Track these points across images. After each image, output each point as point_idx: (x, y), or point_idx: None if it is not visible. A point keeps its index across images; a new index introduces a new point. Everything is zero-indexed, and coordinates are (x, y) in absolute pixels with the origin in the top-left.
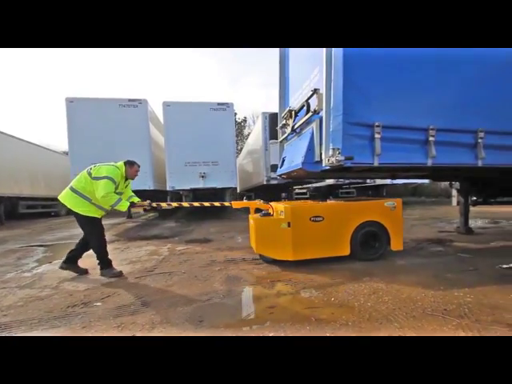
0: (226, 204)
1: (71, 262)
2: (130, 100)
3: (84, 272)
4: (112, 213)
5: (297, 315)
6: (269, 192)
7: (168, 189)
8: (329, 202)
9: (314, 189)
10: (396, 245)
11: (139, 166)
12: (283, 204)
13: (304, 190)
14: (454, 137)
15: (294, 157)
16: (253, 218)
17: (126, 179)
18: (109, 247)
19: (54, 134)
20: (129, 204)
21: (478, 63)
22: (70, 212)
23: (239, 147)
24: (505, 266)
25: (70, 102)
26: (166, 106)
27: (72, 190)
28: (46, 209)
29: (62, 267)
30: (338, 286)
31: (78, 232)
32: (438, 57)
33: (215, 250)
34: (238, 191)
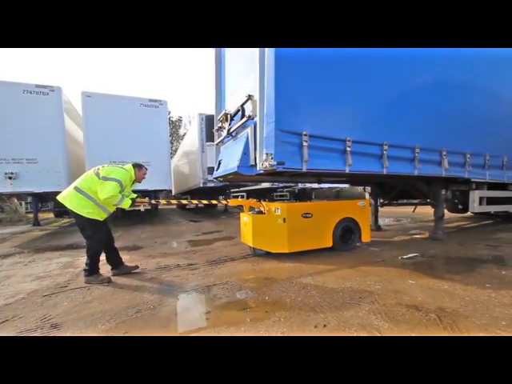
0: (223, 202)
1: (118, 266)
2: (37, 86)
3: (134, 268)
4: (14, 220)
5: (232, 317)
6: (206, 194)
7: None
8: (316, 201)
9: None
10: (365, 237)
11: (147, 169)
12: (278, 203)
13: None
14: (365, 148)
15: (229, 160)
16: (249, 215)
17: (133, 182)
18: (7, 262)
19: None
20: (131, 201)
21: (383, 89)
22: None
23: (174, 147)
24: (404, 256)
25: None
26: (86, 96)
27: (77, 190)
28: None
29: (115, 275)
30: (271, 285)
31: None
32: (352, 80)
33: (146, 258)
34: (173, 193)
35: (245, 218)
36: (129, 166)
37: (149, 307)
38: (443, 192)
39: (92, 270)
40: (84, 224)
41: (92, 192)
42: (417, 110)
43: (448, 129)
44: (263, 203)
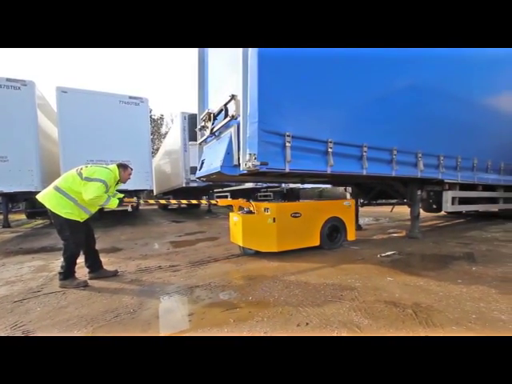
0: (213, 202)
1: (96, 269)
2: (8, 80)
3: (114, 273)
4: None
5: (215, 319)
6: (188, 195)
7: None
8: (305, 201)
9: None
10: (351, 235)
11: (132, 169)
12: (268, 202)
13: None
14: (346, 149)
15: (212, 160)
16: (239, 215)
17: (117, 183)
18: None
19: None
20: (118, 201)
21: (362, 92)
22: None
23: (156, 146)
24: (383, 254)
25: None
26: (62, 92)
27: (56, 189)
28: None
29: (92, 278)
30: (254, 285)
31: None
32: (332, 82)
33: (125, 260)
34: (155, 193)
35: (234, 217)
36: (113, 166)
37: (128, 311)
38: (419, 192)
39: (67, 273)
40: (62, 224)
41: (73, 192)
42: (394, 113)
43: (423, 132)
44: (252, 203)
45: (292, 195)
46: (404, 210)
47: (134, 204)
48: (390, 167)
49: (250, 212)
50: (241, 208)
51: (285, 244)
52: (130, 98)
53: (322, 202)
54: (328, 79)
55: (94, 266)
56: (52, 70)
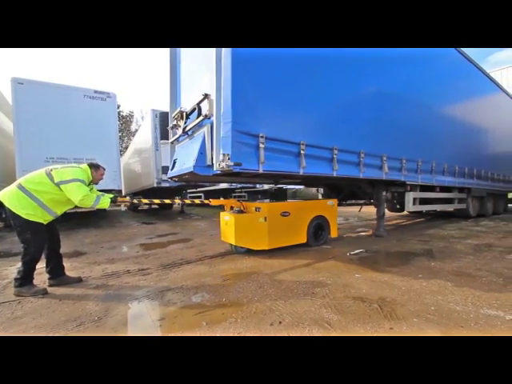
0: (206, 201)
1: (57, 276)
2: None
3: (77, 280)
4: None
5: (188, 322)
6: (160, 195)
7: None
8: (294, 200)
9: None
10: (333, 233)
11: (104, 170)
12: (259, 202)
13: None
14: (318, 151)
15: (185, 159)
16: (231, 214)
17: (89, 184)
18: None
19: None
20: (110, 200)
21: (332, 96)
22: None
23: (124, 144)
24: (352, 252)
25: None
26: (18, 83)
27: (20, 188)
28: None
29: (52, 285)
30: (228, 287)
31: None
32: (304, 84)
33: (90, 265)
34: (124, 194)
35: (226, 217)
36: (84, 166)
37: (93, 319)
38: (384, 193)
39: (25, 279)
40: (23, 226)
41: (38, 192)
42: (362, 118)
43: (387, 136)
44: (243, 203)
45: (280, 195)
46: (371, 210)
47: (128, 203)
48: (358, 169)
49: (241, 211)
50: (231, 208)
51: (275, 242)
52: (96, 92)
53: (309, 202)
54: (300, 81)
55: (56, 271)
56: (9, 64)
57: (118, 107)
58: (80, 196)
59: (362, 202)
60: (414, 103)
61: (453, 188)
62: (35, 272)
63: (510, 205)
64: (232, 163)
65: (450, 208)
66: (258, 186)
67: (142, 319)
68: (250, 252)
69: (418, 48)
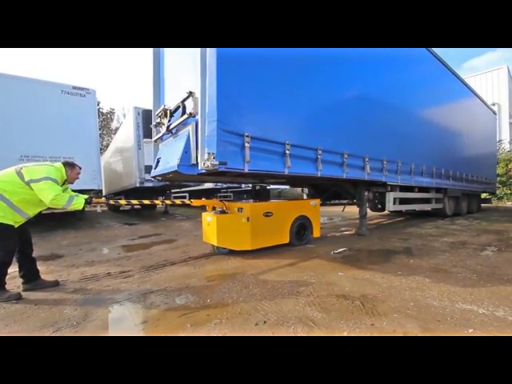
0: (187, 202)
1: (32, 280)
2: None
3: (54, 284)
4: None
5: (171, 325)
6: (143, 195)
7: None
8: (276, 200)
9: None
10: (316, 233)
11: (80, 169)
12: (241, 202)
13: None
14: (303, 152)
15: (169, 158)
16: (213, 215)
17: (64, 183)
18: None
19: None
20: (84, 200)
21: (316, 98)
22: None
23: (105, 142)
24: (336, 251)
25: None
26: None
27: None
28: None
29: (26, 290)
30: (213, 287)
31: None
32: (289, 84)
33: (67, 268)
34: (104, 194)
35: (208, 217)
36: (58, 164)
37: (71, 324)
38: (366, 193)
39: None
40: None
41: (7, 193)
42: (345, 119)
43: (370, 138)
44: (225, 203)
45: (264, 194)
46: (354, 210)
47: (104, 205)
48: (342, 170)
49: (223, 212)
50: (213, 208)
51: (258, 242)
52: (74, 88)
53: (292, 202)
54: (284, 81)
55: (30, 275)
56: None
57: (98, 104)
58: (51, 196)
59: (345, 201)
60: (392, 106)
61: (430, 188)
62: (7, 276)
63: (483, 204)
64: (217, 162)
65: (427, 207)
66: (243, 185)
67: (123, 323)
68: (234, 253)
69: (397, 49)
